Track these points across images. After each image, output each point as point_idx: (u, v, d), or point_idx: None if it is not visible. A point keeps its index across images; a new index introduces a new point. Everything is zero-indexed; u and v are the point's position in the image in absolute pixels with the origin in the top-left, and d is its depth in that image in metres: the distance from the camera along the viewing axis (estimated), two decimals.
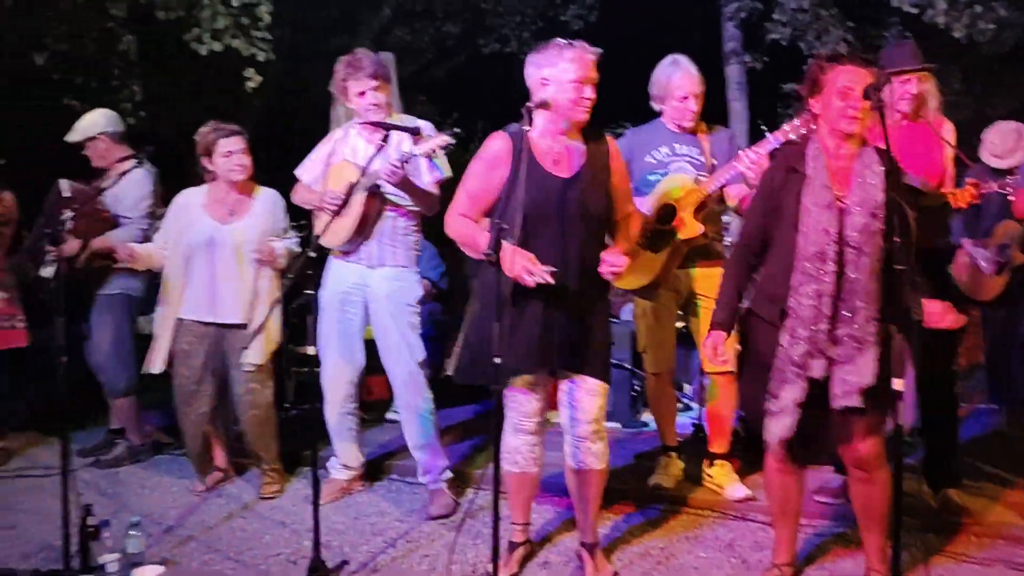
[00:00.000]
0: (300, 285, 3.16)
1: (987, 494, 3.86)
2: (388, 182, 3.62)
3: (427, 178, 3.79)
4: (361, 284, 3.89)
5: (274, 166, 5.27)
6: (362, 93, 3.80)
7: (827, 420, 2.86)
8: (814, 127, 2.96)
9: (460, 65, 9.62)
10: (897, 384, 2.29)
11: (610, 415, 5.20)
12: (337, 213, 3.60)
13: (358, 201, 3.72)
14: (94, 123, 4.62)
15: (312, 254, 2.97)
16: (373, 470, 4.40)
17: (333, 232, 3.80)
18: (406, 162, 3.58)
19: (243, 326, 3.99)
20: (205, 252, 4.03)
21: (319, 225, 3.82)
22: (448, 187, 3.60)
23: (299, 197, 4.06)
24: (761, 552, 3.39)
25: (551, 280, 2.83)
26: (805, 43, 7.28)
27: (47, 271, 4.41)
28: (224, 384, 4.15)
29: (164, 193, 7.14)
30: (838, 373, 2.75)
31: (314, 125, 3.78)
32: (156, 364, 4.11)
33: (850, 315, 2.73)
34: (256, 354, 4.04)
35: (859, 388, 2.72)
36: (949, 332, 3.72)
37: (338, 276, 3.94)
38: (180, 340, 4.08)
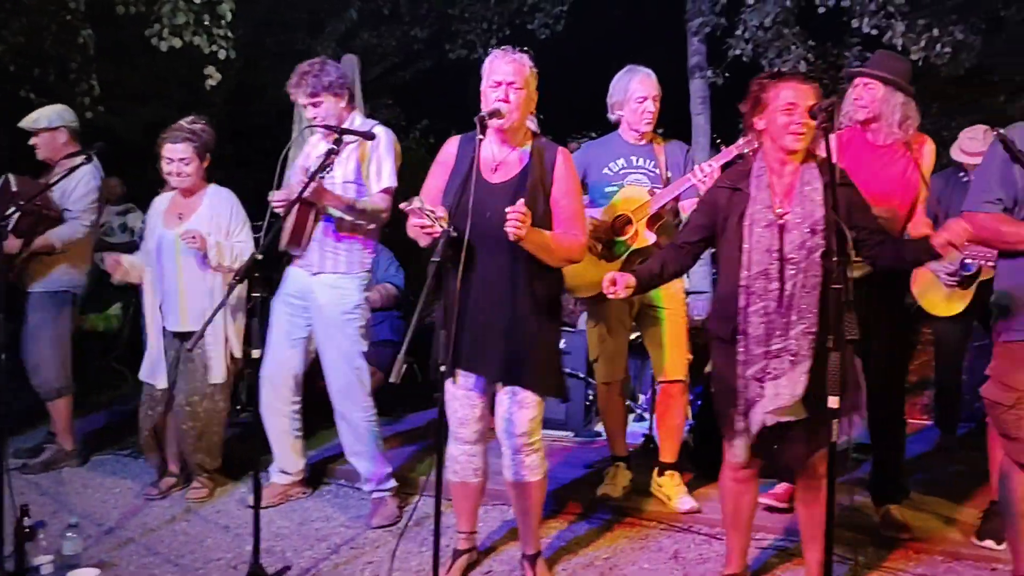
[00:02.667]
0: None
1: (929, 510, 3.91)
2: (300, 195, 3.53)
3: (375, 188, 3.79)
4: (305, 290, 3.87)
5: (235, 164, 5.24)
6: (304, 105, 3.81)
7: (780, 434, 2.89)
8: (757, 145, 2.98)
9: (427, 70, 9.61)
10: (832, 402, 2.31)
11: (563, 424, 5.25)
12: (284, 217, 3.60)
13: (293, 208, 3.67)
14: (59, 115, 4.53)
15: (259, 256, 2.93)
16: (321, 474, 4.37)
17: (283, 235, 3.82)
18: (311, 178, 3.50)
19: (190, 334, 3.95)
20: (158, 260, 4.04)
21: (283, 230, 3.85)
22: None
23: None
24: (705, 564, 3.41)
25: (437, 225, 2.78)
26: (767, 60, 7.36)
27: None
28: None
29: (123, 192, 7.10)
30: (771, 388, 2.78)
31: (276, 124, 3.76)
32: (145, 372, 4.13)
33: (783, 330, 2.76)
34: (219, 369, 4.01)
35: (792, 402, 2.75)
36: (900, 349, 3.78)
37: (288, 280, 3.94)
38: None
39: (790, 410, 2.78)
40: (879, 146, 3.60)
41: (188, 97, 7.57)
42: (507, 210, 2.76)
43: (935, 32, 6.77)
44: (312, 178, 3.47)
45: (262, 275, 2.96)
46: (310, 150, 3.97)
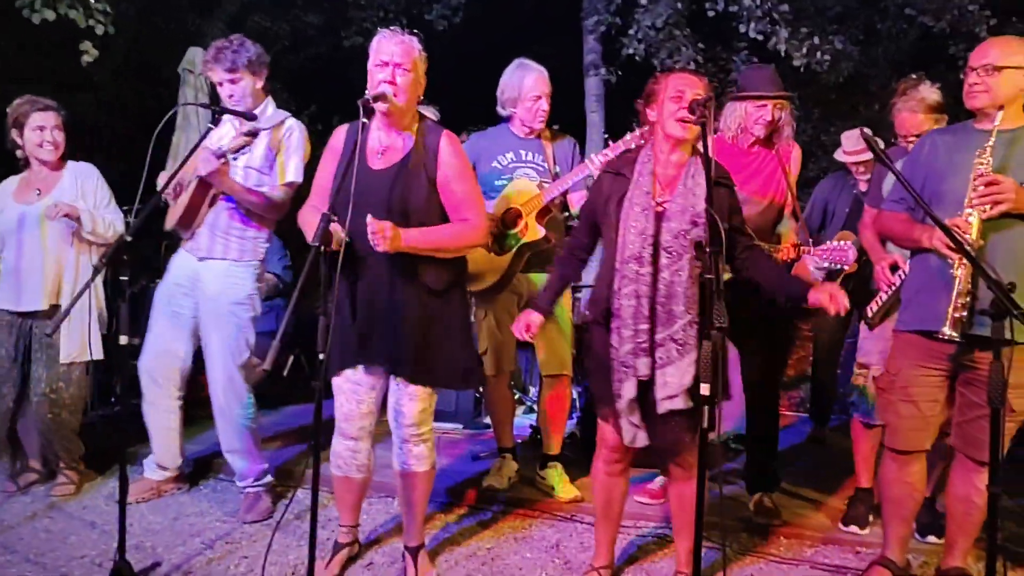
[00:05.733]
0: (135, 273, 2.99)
1: (799, 498, 4.09)
2: (200, 171, 3.46)
3: (279, 180, 3.68)
4: (193, 276, 3.72)
5: (119, 145, 5.01)
6: (220, 83, 3.66)
7: (652, 423, 2.93)
8: (649, 135, 3.04)
9: (320, 56, 9.39)
10: (704, 389, 2.36)
11: (452, 416, 5.24)
12: (174, 197, 3.47)
13: (191, 187, 3.58)
14: None
15: (128, 238, 2.79)
16: (203, 469, 4.22)
17: (170, 215, 3.69)
18: (221, 157, 3.42)
19: (50, 313, 3.76)
20: (15, 238, 3.82)
21: (169, 210, 3.71)
22: None
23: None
24: (586, 553, 3.44)
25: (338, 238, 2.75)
26: (659, 60, 7.51)
27: None
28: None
29: None
30: (660, 376, 2.81)
31: (165, 105, 3.59)
32: None
33: (667, 318, 2.80)
34: (73, 347, 3.80)
35: (681, 390, 2.79)
36: (777, 345, 3.92)
37: (175, 266, 3.78)
38: None
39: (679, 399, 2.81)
40: (744, 151, 3.74)
41: (67, 76, 7.21)
42: (368, 224, 2.72)
43: (816, 40, 7.05)
44: (223, 157, 3.38)
45: (132, 258, 2.82)
46: (215, 132, 3.79)
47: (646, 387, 2.84)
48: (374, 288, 2.93)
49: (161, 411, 3.82)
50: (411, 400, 3.02)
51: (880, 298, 3.58)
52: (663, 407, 2.81)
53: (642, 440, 2.91)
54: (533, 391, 5.68)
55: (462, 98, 5.99)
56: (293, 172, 3.67)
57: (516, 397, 5.35)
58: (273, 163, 3.67)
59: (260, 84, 3.69)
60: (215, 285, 3.67)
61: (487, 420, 5.25)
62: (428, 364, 2.99)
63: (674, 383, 2.79)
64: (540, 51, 4.29)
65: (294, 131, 3.70)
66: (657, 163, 2.92)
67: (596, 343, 2.99)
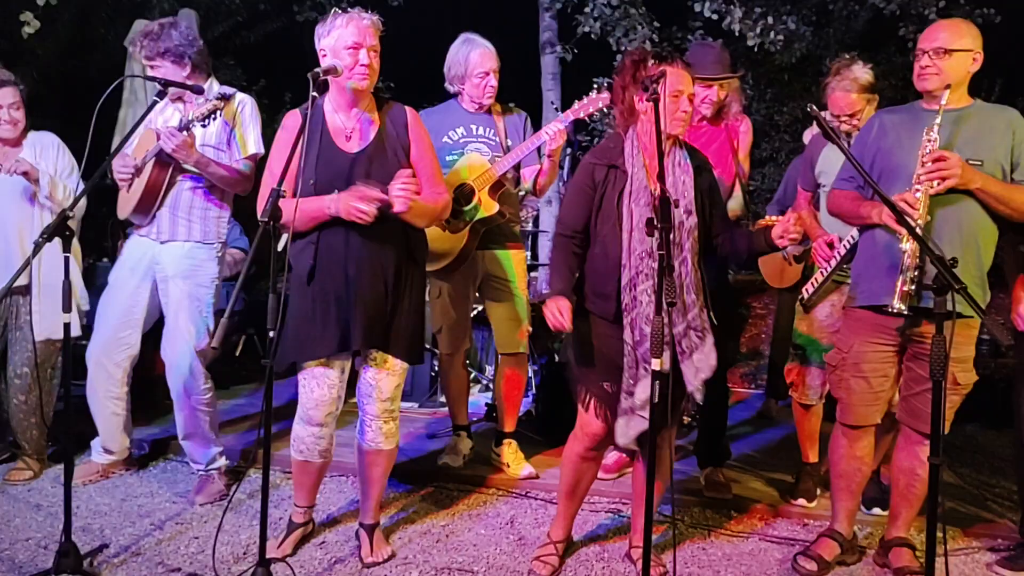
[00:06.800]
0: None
1: (750, 472, 4.16)
2: (165, 148, 3.38)
3: (239, 154, 3.62)
4: (151, 260, 3.62)
5: (63, 120, 4.87)
6: (151, 67, 3.57)
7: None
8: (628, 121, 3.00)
9: (274, 31, 9.22)
10: (655, 364, 2.38)
11: (408, 395, 5.22)
12: (129, 183, 3.39)
13: (147, 169, 3.49)
14: None
15: (70, 213, 2.72)
16: (159, 451, 4.18)
17: (124, 203, 3.58)
18: (186, 128, 3.37)
19: (22, 290, 3.68)
20: None
21: (121, 198, 3.62)
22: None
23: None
24: (539, 529, 3.47)
25: (368, 215, 2.74)
26: (614, 39, 7.51)
27: None
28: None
29: None
30: (688, 363, 2.83)
31: (111, 81, 3.48)
32: None
33: (683, 308, 2.82)
34: (46, 325, 3.70)
35: (712, 371, 2.85)
36: (728, 318, 3.97)
37: (130, 250, 3.68)
38: None
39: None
40: (694, 126, 3.78)
41: (7, 50, 6.97)
42: (397, 180, 2.77)
43: (770, 20, 7.09)
44: (187, 128, 3.30)
45: (72, 234, 2.75)
46: (153, 117, 3.63)
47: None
48: (356, 265, 2.89)
49: (107, 399, 3.73)
50: (389, 375, 3.02)
51: (816, 279, 3.65)
52: (692, 388, 2.84)
53: (636, 431, 2.83)
54: (490, 370, 5.69)
55: (417, 74, 5.94)
56: (254, 144, 3.63)
57: (472, 376, 5.36)
58: (230, 138, 3.61)
59: (185, 72, 3.54)
60: (178, 267, 3.59)
61: (443, 399, 5.26)
62: (401, 339, 3.01)
63: (705, 367, 2.84)
64: (496, 28, 4.25)
65: (246, 104, 3.65)
66: (647, 153, 2.91)
67: (602, 340, 2.91)
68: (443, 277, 3.96)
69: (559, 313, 2.75)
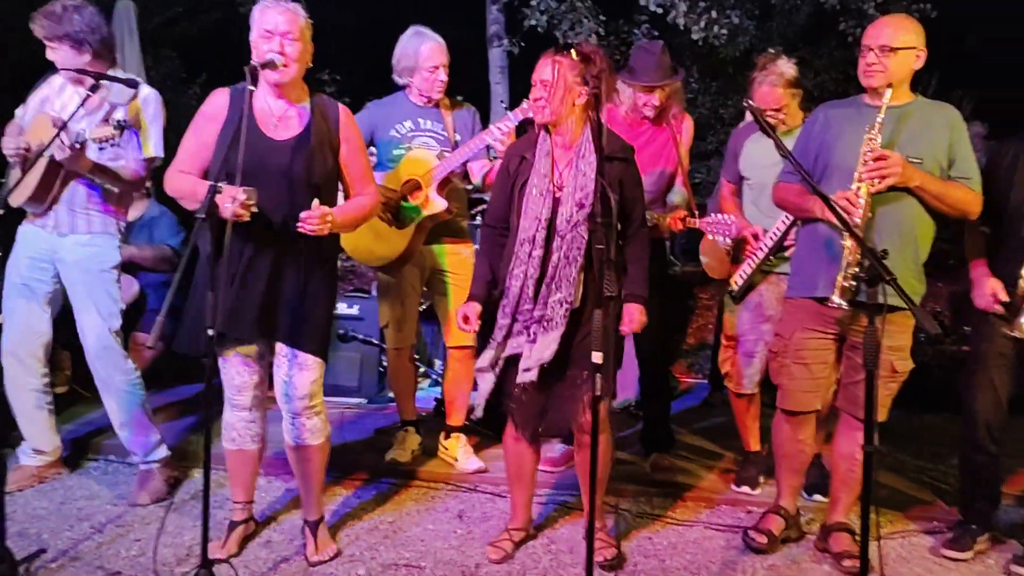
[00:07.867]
0: None
1: (695, 462, 4.21)
2: (56, 157, 3.23)
3: (134, 155, 3.48)
4: (50, 251, 3.52)
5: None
6: (49, 48, 3.44)
7: (554, 395, 3.00)
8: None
9: (214, 23, 9.06)
10: (596, 357, 2.41)
11: (356, 391, 5.19)
12: (23, 170, 3.25)
13: (41, 163, 3.33)
14: None
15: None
16: (87, 449, 4.07)
17: (19, 190, 3.40)
18: (80, 145, 3.19)
19: None
20: None
21: (11, 179, 3.44)
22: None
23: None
24: (488, 522, 3.48)
25: (245, 211, 2.67)
26: (561, 32, 7.54)
27: None
28: None
29: None
30: (525, 352, 2.94)
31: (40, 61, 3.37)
32: None
33: (545, 298, 2.91)
34: None
35: (539, 364, 2.91)
36: (670, 305, 4.04)
37: (26, 241, 3.56)
38: None
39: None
40: (637, 122, 3.87)
41: None
42: (302, 216, 2.74)
43: (714, 14, 7.18)
44: (81, 148, 3.16)
45: None
46: (51, 95, 3.54)
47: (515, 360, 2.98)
48: (270, 257, 2.87)
49: (30, 392, 3.62)
50: (302, 370, 2.98)
51: (744, 271, 3.71)
52: (521, 378, 2.94)
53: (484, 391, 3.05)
54: (439, 364, 5.67)
55: (365, 67, 5.89)
56: (154, 146, 3.50)
57: (422, 371, 5.34)
58: (130, 136, 3.48)
59: (86, 59, 3.41)
60: (79, 255, 3.50)
61: (390, 394, 5.23)
62: (314, 334, 3.00)
63: (534, 357, 2.91)
64: (444, 21, 4.23)
65: (150, 102, 3.51)
66: (555, 144, 2.95)
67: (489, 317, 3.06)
68: (390, 272, 3.94)
69: (463, 321, 3.02)
